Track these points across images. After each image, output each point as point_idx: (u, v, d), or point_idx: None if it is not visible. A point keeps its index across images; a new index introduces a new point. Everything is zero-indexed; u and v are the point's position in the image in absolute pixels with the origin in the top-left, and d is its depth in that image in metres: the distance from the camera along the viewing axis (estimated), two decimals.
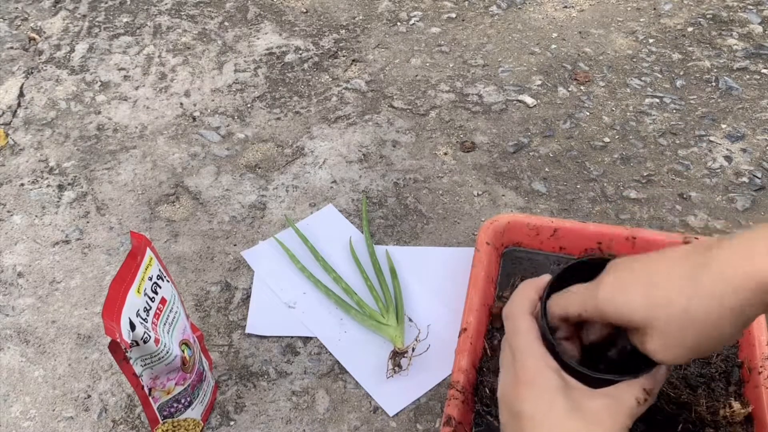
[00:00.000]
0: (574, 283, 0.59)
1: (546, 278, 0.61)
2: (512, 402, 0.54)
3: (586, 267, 0.61)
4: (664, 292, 0.50)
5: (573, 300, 0.56)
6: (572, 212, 1.06)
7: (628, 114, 1.21)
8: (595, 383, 0.55)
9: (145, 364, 0.71)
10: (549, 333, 0.57)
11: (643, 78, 1.28)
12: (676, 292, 0.49)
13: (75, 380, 0.89)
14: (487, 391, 0.79)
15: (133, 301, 0.69)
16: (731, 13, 1.41)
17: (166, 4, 1.52)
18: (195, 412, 0.80)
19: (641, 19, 1.41)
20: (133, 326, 0.67)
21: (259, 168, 1.16)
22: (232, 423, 0.84)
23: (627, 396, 0.53)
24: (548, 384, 0.53)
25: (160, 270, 0.75)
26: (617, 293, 0.52)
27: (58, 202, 1.12)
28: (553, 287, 0.60)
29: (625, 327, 0.54)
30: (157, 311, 0.73)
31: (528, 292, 0.60)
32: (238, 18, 1.47)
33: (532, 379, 0.53)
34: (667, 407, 0.74)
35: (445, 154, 1.16)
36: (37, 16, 1.50)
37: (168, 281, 0.76)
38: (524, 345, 0.56)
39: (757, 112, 1.20)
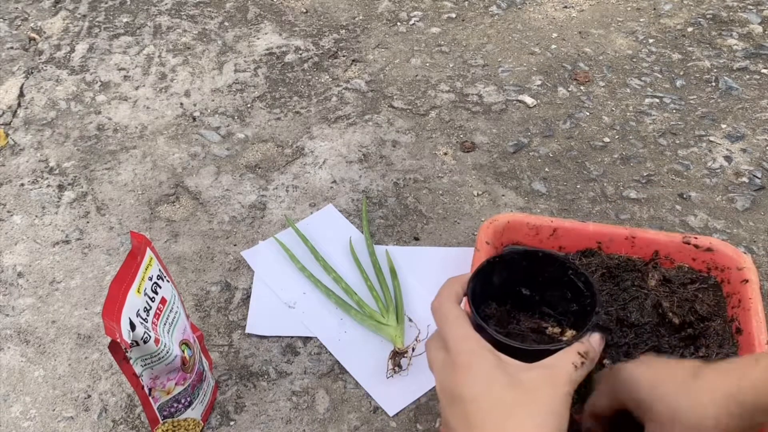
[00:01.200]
0: (495, 276, 0.63)
1: (467, 274, 0.63)
2: (452, 389, 0.54)
3: (506, 261, 0.63)
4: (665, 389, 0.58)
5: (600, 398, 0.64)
6: (572, 212, 1.06)
7: (628, 114, 1.21)
8: (530, 357, 0.55)
9: (145, 364, 0.71)
10: (478, 317, 0.58)
11: (643, 78, 1.28)
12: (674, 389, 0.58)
13: (75, 380, 0.89)
14: None
15: (133, 301, 0.69)
16: (731, 13, 1.41)
17: (166, 4, 1.52)
18: (195, 412, 0.80)
19: (641, 19, 1.41)
20: (133, 326, 0.67)
21: (259, 168, 1.16)
22: (232, 423, 0.84)
23: (563, 363, 0.54)
24: (485, 364, 0.53)
25: (160, 270, 0.75)
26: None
27: (58, 202, 1.12)
28: (476, 278, 0.62)
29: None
30: (157, 311, 0.73)
31: (453, 286, 0.61)
32: (238, 18, 1.47)
33: (468, 362, 0.54)
34: None
35: (445, 154, 1.16)
36: (37, 16, 1.50)
37: (168, 281, 0.76)
38: (456, 332, 0.56)
39: (757, 112, 1.20)
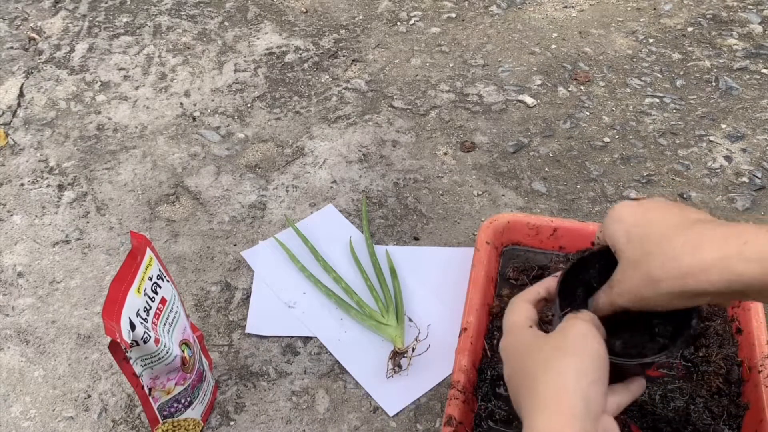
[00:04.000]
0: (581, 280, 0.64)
1: (536, 287, 0.66)
2: (502, 349, 0.62)
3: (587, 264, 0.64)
4: (642, 230, 0.56)
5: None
6: (572, 212, 1.06)
7: (628, 114, 1.21)
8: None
9: (145, 364, 0.71)
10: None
11: (643, 78, 1.28)
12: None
13: (75, 380, 0.89)
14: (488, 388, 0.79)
15: (133, 301, 0.69)
16: (731, 13, 1.41)
17: (166, 4, 1.52)
18: (195, 412, 0.80)
19: (641, 19, 1.41)
20: (133, 326, 0.67)
21: (259, 168, 1.16)
22: (232, 423, 0.84)
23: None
24: (524, 328, 0.62)
25: (160, 270, 0.75)
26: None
27: (58, 202, 1.12)
28: (564, 282, 0.64)
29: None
30: (157, 311, 0.73)
31: (522, 310, 0.64)
32: (238, 18, 1.47)
33: (511, 329, 0.62)
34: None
35: (445, 154, 1.16)
36: (37, 16, 1.50)
37: (168, 281, 0.76)
38: (508, 317, 0.63)
39: (757, 112, 1.20)
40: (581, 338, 0.56)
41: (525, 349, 0.59)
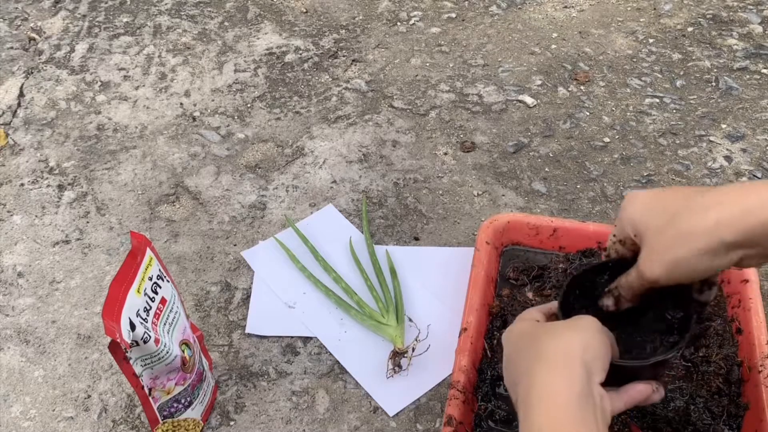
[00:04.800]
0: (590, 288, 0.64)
1: (548, 305, 0.67)
2: (504, 340, 0.63)
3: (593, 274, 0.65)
4: (662, 203, 0.56)
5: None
6: (572, 212, 1.06)
7: (628, 114, 1.21)
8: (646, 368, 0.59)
9: (145, 364, 0.71)
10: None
11: (643, 78, 1.28)
12: (671, 203, 0.55)
13: (75, 380, 0.89)
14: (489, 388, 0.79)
15: (133, 301, 0.69)
16: (731, 13, 1.41)
17: (166, 4, 1.52)
18: (195, 412, 0.80)
19: (641, 19, 1.41)
20: (133, 326, 0.67)
21: (259, 168, 1.16)
22: (232, 423, 0.84)
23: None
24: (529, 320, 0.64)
25: (160, 270, 0.75)
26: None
27: (58, 202, 1.12)
28: (571, 289, 0.64)
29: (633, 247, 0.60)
30: (157, 311, 0.73)
31: (533, 313, 0.65)
32: (238, 18, 1.47)
33: (520, 319, 0.64)
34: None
35: (445, 154, 1.16)
36: (37, 16, 1.50)
37: (168, 281, 0.76)
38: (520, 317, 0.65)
39: (757, 112, 1.20)
40: (584, 320, 0.58)
41: (528, 331, 0.60)
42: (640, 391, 0.58)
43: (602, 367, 0.54)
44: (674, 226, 0.54)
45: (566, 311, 0.62)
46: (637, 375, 0.59)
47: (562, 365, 0.53)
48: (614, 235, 0.62)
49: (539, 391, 0.53)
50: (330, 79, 1.32)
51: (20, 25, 1.48)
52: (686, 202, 0.54)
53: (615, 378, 0.56)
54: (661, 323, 0.63)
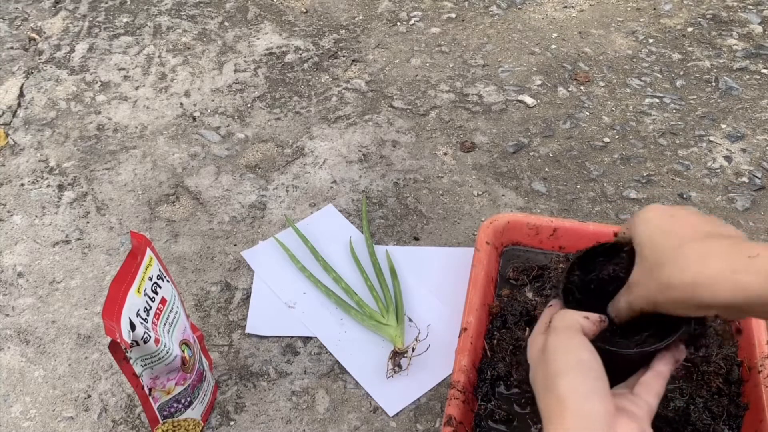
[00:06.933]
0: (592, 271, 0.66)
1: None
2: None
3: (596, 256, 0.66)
4: (666, 238, 0.57)
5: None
6: (572, 212, 1.06)
7: (628, 114, 1.21)
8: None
9: (145, 364, 0.71)
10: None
11: (643, 78, 1.28)
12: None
13: (75, 380, 0.89)
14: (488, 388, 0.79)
15: (133, 301, 0.69)
16: (731, 13, 1.41)
17: (166, 4, 1.52)
18: (195, 412, 0.80)
19: (641, 19, 1.41)
20: (133, 326, 0.67)
21: (259, 168, 1.16)
22: (232, 423, 0.84)
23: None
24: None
25: (160, 270, 0.75)
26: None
27: (58, 202, 1.12)
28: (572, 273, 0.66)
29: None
30: (157, 311, 0.73)
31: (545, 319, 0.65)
32: (238, 18, 1.47)
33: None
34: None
35: (445, 154, 1.16)
36: (37, 16, 1.50)
37: (168, 281, 0.76)
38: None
39: (757, 112, 1.20)
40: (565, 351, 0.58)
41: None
42: (671, 362, 0.60)
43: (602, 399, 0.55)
44: (659, 273, 0.56)
45: (567, 298, 0.64)
46: (628, 364, 0.60)
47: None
48: (623, 233, 0.64)
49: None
50: (330, 79, 1.32)
51: (20, 25, 1.48)
52: (675, 253, 0.55)
53: (612, 368, 0.57)
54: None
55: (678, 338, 0.60)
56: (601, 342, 0.59)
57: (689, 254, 0.54)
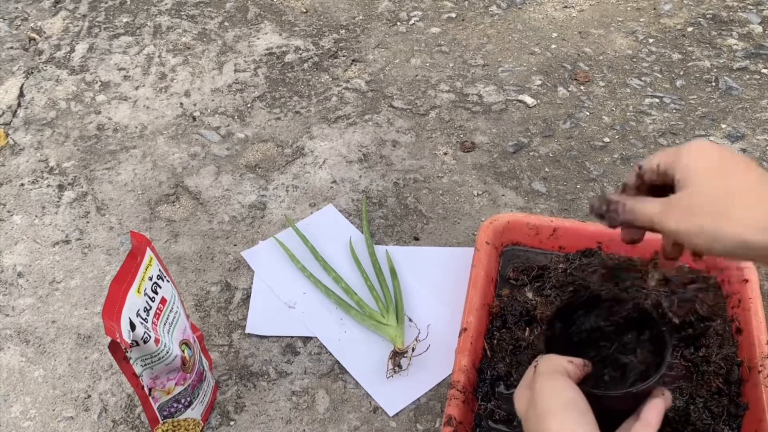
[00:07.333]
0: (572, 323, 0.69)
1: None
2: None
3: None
4: (720, 179, 0.53)
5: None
6: (572, 212, 1.06)
7: (628, 114, 1.21)
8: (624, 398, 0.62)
9: (145, 364, 0.71)
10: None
11: (643, 78, 1.28)
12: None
13: (75, 380, 0.89)
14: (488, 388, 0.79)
15: (133, 301, 0.69)
16: (731, 13, 1.41)
17: (166, 4, 1.52)
18: (195, 412, 0.80)
19: (641, 19, 1.41)
20: (133, 326, 0.67)
21: (259, 168, 1.16)
22: (232, 423, 0.84)
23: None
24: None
25: (160, 270, 0.75)
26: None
27: (58, 202, 1.12)
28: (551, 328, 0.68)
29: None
30: (157, 311, 0.73)
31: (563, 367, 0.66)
32: (238, 18, 1.47)
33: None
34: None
35: (445, 154, 1.16)
36: (37, 16, 1.50)
37: (168, 281, 0.76)
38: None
39: (757, 112, 1.20)
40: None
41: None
42: (658, 410, 0.60)
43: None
44: (724, 204, 0.51)
45: (549, 346, 0.66)
46: (616, 404, 0.61)
47: None
48: (658, 165, 0.58)
49: None
50: (330, 79, 1.32)
51: (20, 25, 1.48)
52: (734, 197, 0.51)
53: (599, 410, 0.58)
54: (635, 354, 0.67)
55: (660, 379, 0.61)
56: (585, 386, 0.60)
57: (745, 204, 0.50)
